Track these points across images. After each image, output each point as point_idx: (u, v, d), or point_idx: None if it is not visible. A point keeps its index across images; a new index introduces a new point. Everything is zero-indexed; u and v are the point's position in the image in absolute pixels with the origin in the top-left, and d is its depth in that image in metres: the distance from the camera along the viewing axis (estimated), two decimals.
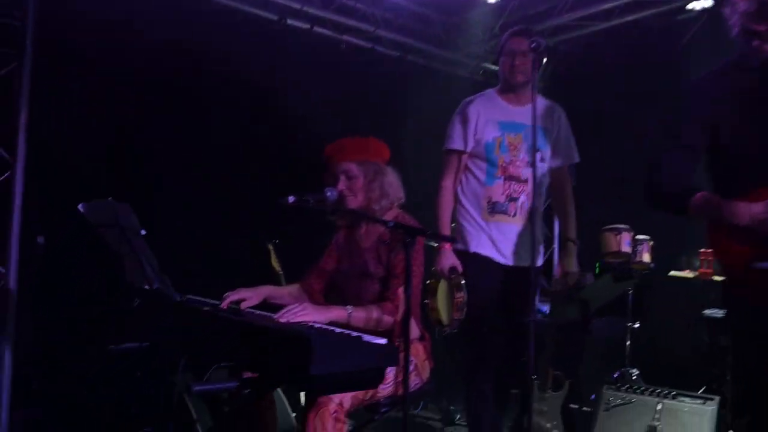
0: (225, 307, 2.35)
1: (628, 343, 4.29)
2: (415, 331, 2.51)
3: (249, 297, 2.42)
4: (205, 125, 4.40)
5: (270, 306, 2.49)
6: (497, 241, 3.06)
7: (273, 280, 4.03)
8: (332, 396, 2.08)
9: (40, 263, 3.44)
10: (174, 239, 3.55)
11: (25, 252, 3.42)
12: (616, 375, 4.22)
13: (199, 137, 4.38)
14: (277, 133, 4.73)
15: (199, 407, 2.94)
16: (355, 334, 1.90)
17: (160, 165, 4.17)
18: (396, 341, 2.27)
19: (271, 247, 4.10)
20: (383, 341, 1.88)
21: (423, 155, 4.54)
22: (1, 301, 3.35)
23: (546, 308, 4.05)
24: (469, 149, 3.13)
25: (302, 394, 3.77)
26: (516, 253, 3.07)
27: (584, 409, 3.95)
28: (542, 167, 3.09)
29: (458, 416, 4.25)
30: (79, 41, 3.83)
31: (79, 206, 2.31)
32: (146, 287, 2.26)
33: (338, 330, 1.98)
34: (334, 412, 2.10)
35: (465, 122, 3.14)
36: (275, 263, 4.08)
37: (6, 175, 3.39)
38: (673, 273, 4.48)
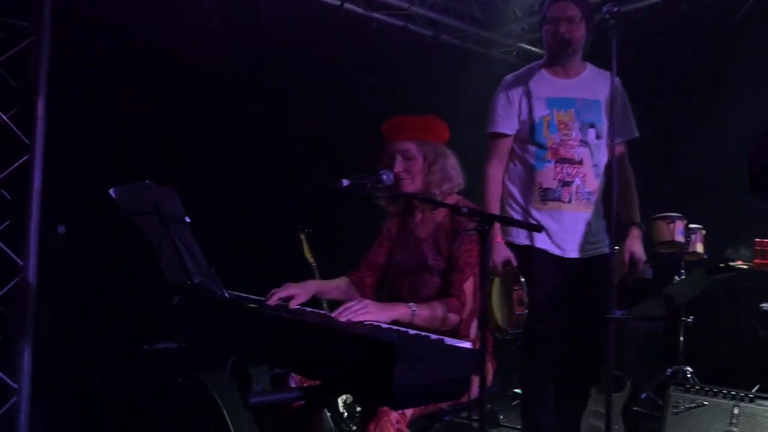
0: (273, 305, 2.10)
1: (682, 338, 4.05)
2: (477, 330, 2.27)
3: (297, 294, 2.16)
4: (230, 109, 4.17)
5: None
6: (552, 231, 2.80)
7: (305, 271, 3.81)
8: None
9: (60, 255, 3.22)
10: (200, 230, 3.37)
11: (44, 242, 3.21)
12: (669, 373, 3.99)
13: (225, 122, 4.16)
14: (303, 115, 4.50)
15: (237, 414, 2.71)
16: (435, 337, 1.65)
17: (183, 152, 3.94)
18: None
19: (303, 237, 3.88)
20: (468, 345, 1.63)
21: (456, 140, 4.30)
22: (20, 296, 3.14)
23: None
24: (514, 132, 2.87)
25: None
26: (577, 243, 2.81)
27: (635, 409, 3.72)
28: (598, 144, 2.83)
29: (501, 417, 4.03)
30: (96, 17, 3.59)
31: (111, 191, 2.07)
32: (187, 282, 2.02)
33: (413, 332, 1.73)
34: (397, 422, 1.87)
35: (508, 102, 2.88)
36: (308, 254, 3.86)
37: (24, 159, 3.15)
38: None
